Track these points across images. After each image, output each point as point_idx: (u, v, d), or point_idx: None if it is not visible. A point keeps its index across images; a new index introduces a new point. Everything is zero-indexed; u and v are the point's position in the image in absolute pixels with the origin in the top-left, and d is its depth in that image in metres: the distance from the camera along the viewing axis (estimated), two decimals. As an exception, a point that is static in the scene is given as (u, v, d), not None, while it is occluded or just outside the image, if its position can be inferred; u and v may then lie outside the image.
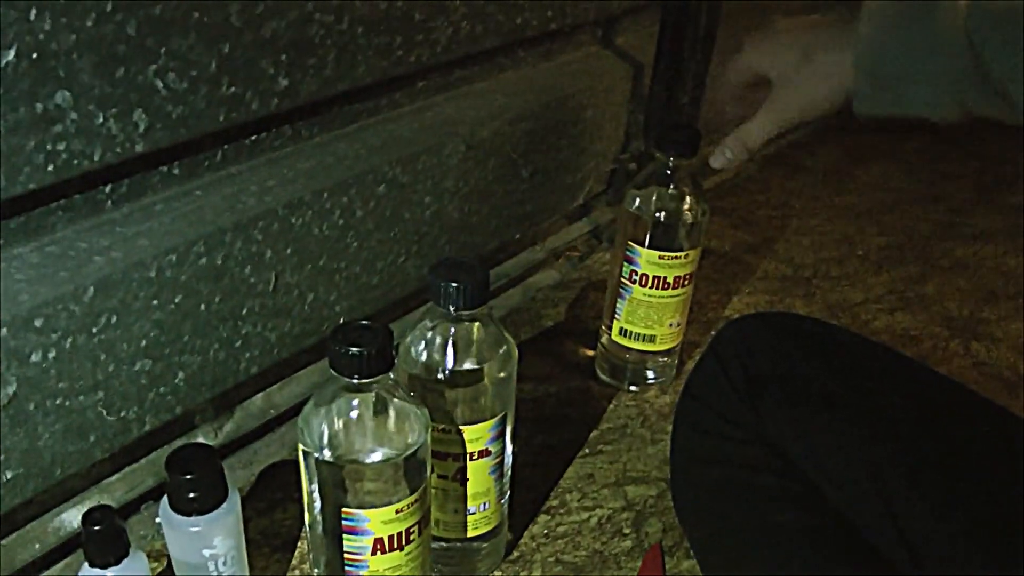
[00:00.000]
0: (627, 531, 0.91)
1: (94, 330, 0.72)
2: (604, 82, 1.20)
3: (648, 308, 1.04)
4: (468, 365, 0.74)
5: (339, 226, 0.88)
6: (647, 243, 1.01)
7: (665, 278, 1.02)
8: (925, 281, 1.41)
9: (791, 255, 1.45)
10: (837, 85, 0.77)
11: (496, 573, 0.85)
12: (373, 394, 0.66)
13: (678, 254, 1.01)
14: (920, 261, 1.47)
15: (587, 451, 1.01)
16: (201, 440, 0.89)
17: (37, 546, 0.79)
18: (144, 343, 0.76)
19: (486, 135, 1.02)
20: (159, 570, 0.82)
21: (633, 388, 1.10)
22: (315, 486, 0.68)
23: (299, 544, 0.87)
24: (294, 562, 0.85)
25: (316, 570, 0.72)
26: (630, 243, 1.02)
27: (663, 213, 1.00)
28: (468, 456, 0.76)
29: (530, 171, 1.11)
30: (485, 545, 0.83)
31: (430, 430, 0.69)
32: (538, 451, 1.00)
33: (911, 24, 0.71)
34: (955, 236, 1.55)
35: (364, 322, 0.65)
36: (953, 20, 0.68)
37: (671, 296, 1.03)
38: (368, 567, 0.69)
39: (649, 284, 1.03)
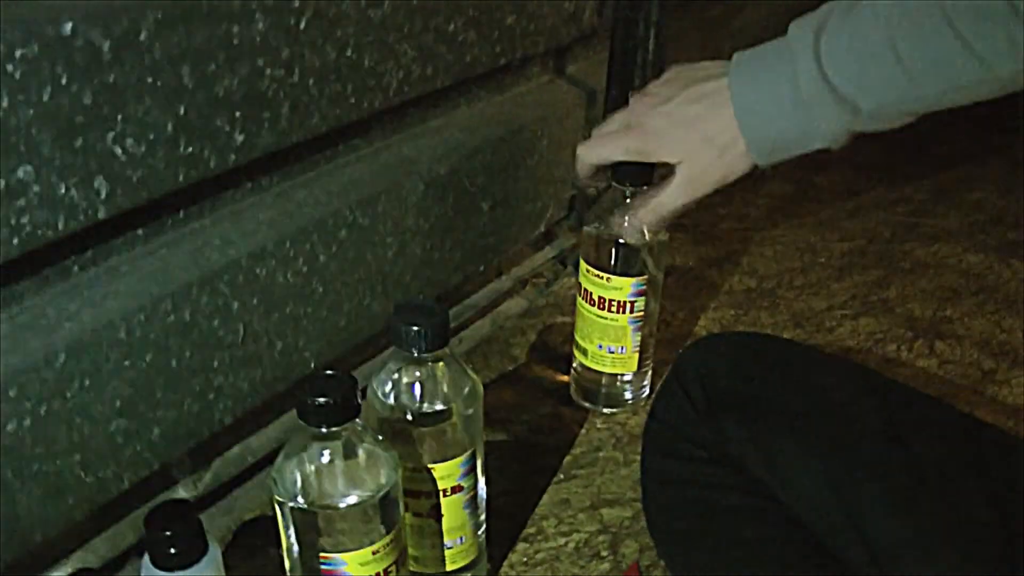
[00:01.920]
0: (604, 553, 0.93)
1: (68, 394, 0.73)
2: (558, 110, 1.22)
3: (592, 326, 1.07)
4: (435, 405, 0.76)
5: (303, 273, 0.90)
6: (607, 267, 1.04)
7: (603, 298, 1.05)
8: (888, 284, 1.44)
9: (755, 267, 1.48)
10: (742, 151, 0.79)
11: (478, 604, 0.87)
12: (342, 441, 0.68)
13: (603, 274, 1.04)
14: (882, 265, 1.50)
15: (561, 476, 1.02)
16: (181, 492, 0.90)
17: (23, 609, 0.80)
18: (118, 402, 0.77)
19: (443, 172, 1.04)
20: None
21: (607, 410, 1.12)
22: (292, 533, 0.69)
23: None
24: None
25: (298, 615, 0.74)
26: (581, 259, 1.06)
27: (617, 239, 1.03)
28: (440, 493, 0.78)
29: (490, 203, 1.13)
30: (465, 578, 0.85)
31: (400, 470, 0.71)
32: (513, 480, 1.02)
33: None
34: (915, 237, 1.58)
35: (329, 372, 0.67)
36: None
37: (609, 319, 1.06)
38: (349, 609, 0.70)
39: (591, 302, 1.06)
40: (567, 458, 1.05)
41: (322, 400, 0.64)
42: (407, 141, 1.04)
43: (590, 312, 1.06)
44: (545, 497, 1.00)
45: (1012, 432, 0.97)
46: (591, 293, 1.05)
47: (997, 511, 0.68)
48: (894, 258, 1.52)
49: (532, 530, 0.95)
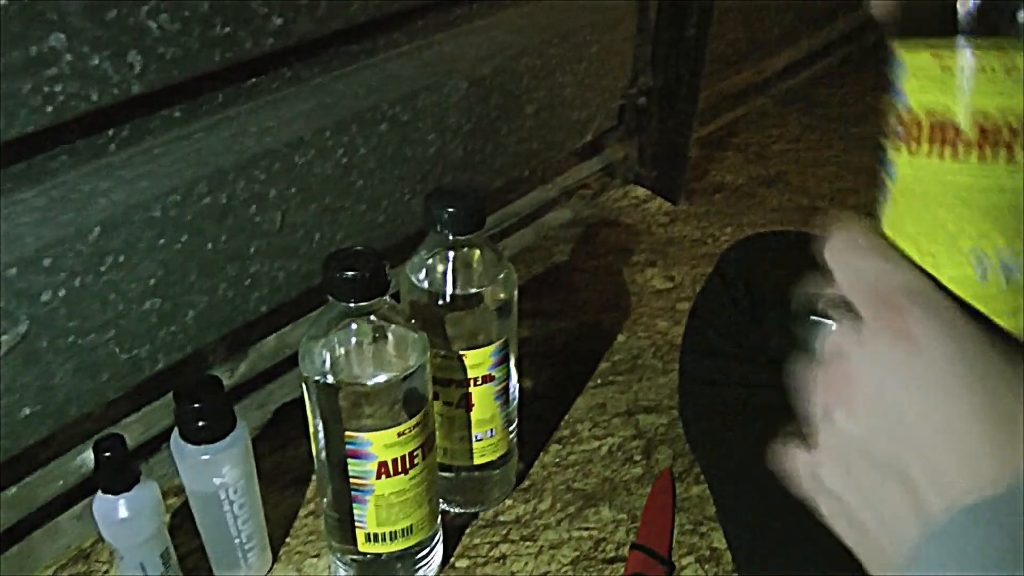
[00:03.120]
0: (638, 458, 0.92)
1: (101, 269, 0.73)
2: (609, 16, 1.19)
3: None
4: (468, 289, 0.75)
5: (342, 165, 0.89)
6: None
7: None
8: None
9: (806, 186, 1.45)
10: None
11: (507, 501, 0.87)
12: (371, 319, 0.67)
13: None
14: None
15: (599, 382, 1.01)
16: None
17: (60, 483, 0.82)
18: (152, 282, 0.77)
19: (487, 72, 1.02)
20: (177, 505, 0.84)
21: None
22: (318, 411, 0.69)
23: (312, 479, 0.88)
24: (308, 495, 0.87)
25: (325, 499, 0.74)
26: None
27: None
28: (471, 381, 0.77)
29: (535, 108, 1.11)
30: (494, 473, 0.84)
31: (429, 353, 0.70)
32: (550, 384, 1.01)
33: None
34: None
35: (358, 248, 0.66)
36: None
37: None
38: (373, 491, 0.70)
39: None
40: (605, 364, 1.04)
41: (350, 274, 0.64)
42: (451, 39, 1.02)
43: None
44: (581, 401, 0.99)
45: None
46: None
47: None
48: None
49: (566, 432, 0.95)
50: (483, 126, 1.04)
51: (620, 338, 1.08)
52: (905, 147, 0.39)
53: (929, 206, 0.39)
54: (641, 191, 1.33)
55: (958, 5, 0.36)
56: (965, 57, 0.36)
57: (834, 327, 0.41)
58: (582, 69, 1.17)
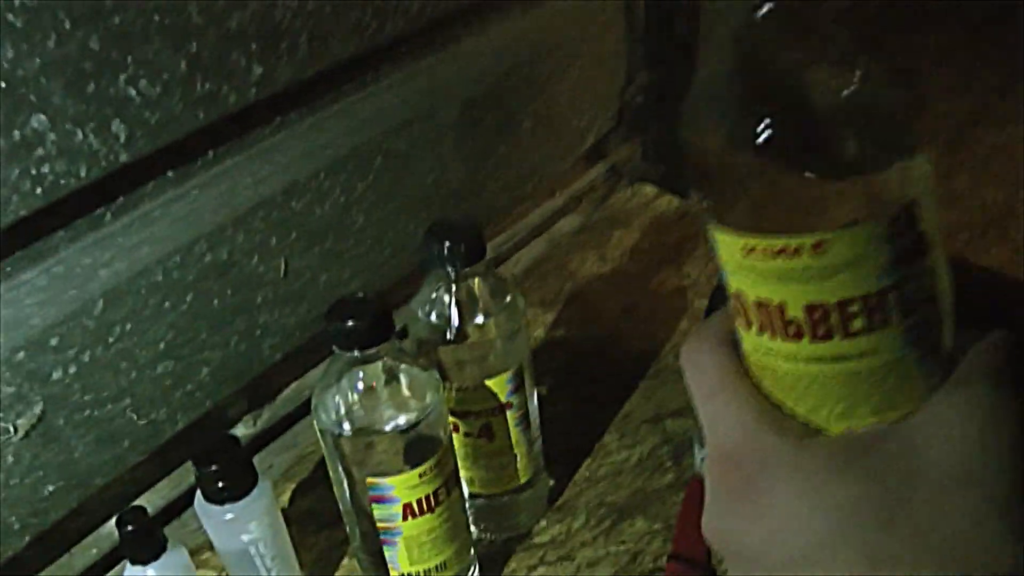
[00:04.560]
0: (668, 465, 0.91)
1: (110, 340, 0.74)
2: (598, 19, 1.19)
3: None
4: (475, 321, 0.75)
5: (340, 204, 0.89)
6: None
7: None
8: (955, 175, 1.38)
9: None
10: None
11: (541, 523, 0.87)
12: (380, 364, 0.67)
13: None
14: (950, 153, 1.43)
15: (623, 390, 1.01)
16: (240, 431, 0.91)
17: (94, 551, 0.82)
18: (162, 346, 0.78)
19: (479, 93, 1.02)
20: (213, 561, 0.85)
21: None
22: (338, 461, 0.69)
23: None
24: (343, 536, 0.87)
25: (354, 542, 0.74)
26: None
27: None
28: (490, 411, 0.77)
29: (532, 122, 1.10)
30: (524, 496, 0.84)
31: (443, 391, 0.70)
32: (573, 397, 1.00)
33: None
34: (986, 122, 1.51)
35: (359, 295, 0.66)
36: None
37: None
38: (402, 533, 0.70)
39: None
40: (628, 371, 1.04)
41: (351, 323, 0.64)
42: (439, 65, 1.02)
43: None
44: (607, 412, 0.98)
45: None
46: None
47: None
48: (964, 146, 1.45)
49: (594, 446, 0.94)
50: (481, 147, 1.04)
51: (640, 343, 1.08)
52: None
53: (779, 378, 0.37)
54: (649, 189, 1.32)
55: None
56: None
57: (706, 469, 0.39)
58: (575, 77, 1.16)
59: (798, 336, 0.35)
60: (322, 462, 0.90)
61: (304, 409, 0.96)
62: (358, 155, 0.90)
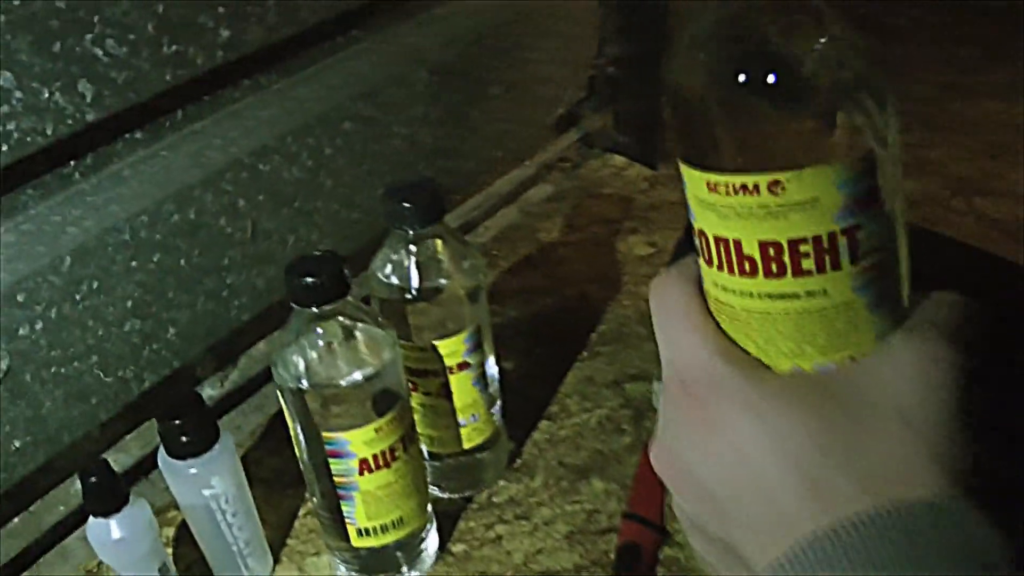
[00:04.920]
0: (626, 427, 0.93)
1: (77, 297, 0.75)
2: (570, -10, 1.20)
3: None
4: (435, 281, 0.76)
5: (309, 167, 0.90)
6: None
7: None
8: (931, 146, 1.39)
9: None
10: None
11: (500, 482, 0.88)
12: (337, 320, 0.69)
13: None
14: (924, 127, 1.45)
15: (586, 355, 1.03)
16: (207, 391, 0.93)
17: (62, 508, 0.84)
18: (130, 304, 0.79)
19: (450, 58, 1.03)
20: (180, 519, 0.86)
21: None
22: (296, 418, 0.71)
23: (314, 476, 0.90)
24: (306, 496, 0.89)
25: (314, 499, 0.76)
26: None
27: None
28: (448, 370, 0.79)
29: (502, 88, 1.12)
30: (483, 456, 0.86)
31: (399, 347, 0.72)
32: (537, 362, 1.02)
33: None
34: (963, 96, 1.53)
35: (316, 253, 0.68)
36: None
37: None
38: (359, 488, 0.72)
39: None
40: (592, 336, 1.05)
41: (310, 280, 0.65)
42: (410, 31, 1.03)
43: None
44: (570, 376, 1.00)
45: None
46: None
47: None
48: (938, 118, 1.47)
49: (556, 408, 0.96)
50: (451, 113, 1.05)
51: (606, 308, 1.09)
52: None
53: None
54: (620, 159, 1.34)
55: None
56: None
57: (661, 399, 0.42)
58: (546, 45, 1.17)
59: (752, 272, 0.37)
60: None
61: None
62: (327, 119, 0.91)
